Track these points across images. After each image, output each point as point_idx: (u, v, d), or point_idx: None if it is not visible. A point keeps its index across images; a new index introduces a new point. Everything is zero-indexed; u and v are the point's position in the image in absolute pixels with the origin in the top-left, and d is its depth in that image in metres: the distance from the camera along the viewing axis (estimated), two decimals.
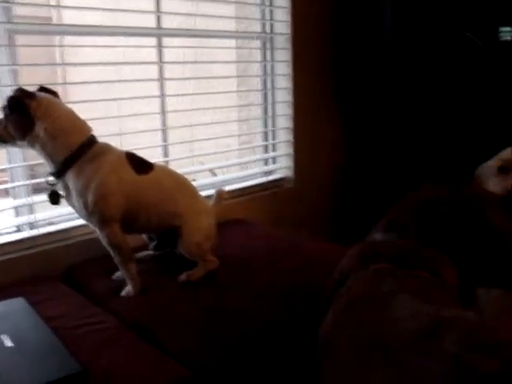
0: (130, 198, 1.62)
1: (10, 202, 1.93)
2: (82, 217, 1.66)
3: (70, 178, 1.57)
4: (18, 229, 1.92)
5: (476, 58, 2.57)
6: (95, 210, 1.58)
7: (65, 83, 3.31)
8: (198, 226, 1.76)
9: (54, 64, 1.97)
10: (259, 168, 2.76)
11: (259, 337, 1.43)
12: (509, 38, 2.56)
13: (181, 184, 1.82)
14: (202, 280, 1.72)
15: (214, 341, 1.38)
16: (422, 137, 2.67)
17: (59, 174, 1.58)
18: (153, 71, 2.24)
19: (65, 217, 1.97)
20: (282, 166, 2.78)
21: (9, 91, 1.78)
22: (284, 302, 1.58)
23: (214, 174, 2.67)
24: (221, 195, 1.93)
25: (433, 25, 2.55)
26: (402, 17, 2.59)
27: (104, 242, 1.64)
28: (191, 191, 1.84)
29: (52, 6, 3.81)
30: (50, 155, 1.56)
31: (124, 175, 1.62)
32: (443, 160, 2.64)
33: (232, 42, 2.72)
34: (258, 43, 2.68)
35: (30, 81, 1.76)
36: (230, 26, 2.89)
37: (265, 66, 2.69)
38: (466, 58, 2.54)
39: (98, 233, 1.65)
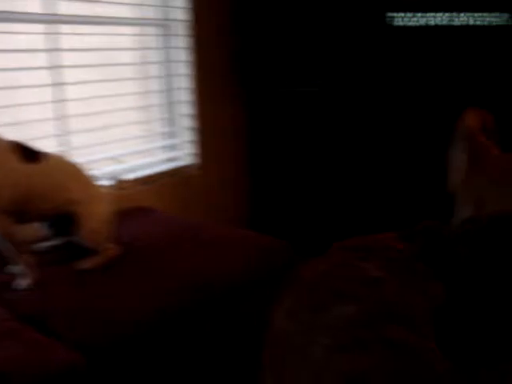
0: (16, 188, 1.59)
1: None
2: None
3: None
4: None
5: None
6: None
7: None
8: (92, 212, 1.76)
9: None
10: (164, 155, 2.77)
11: (155, 323, 1.46)
12: (401, 23, 2.69)
13: (74, 172, 1.81)
14: (101, 268, 1.71)
15: (110, 328, 1.40)
16: (323, 123, 2.77)
17: None
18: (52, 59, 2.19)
19: None
20: (186, 153, 2.79)
21: None
22: (181, 288, 1.61)
23: (120, 162, 2.64)
24: (118, 183, 1.93)
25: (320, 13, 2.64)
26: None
27: None
28: (85, 179, 1.83)
29: None
30: None
31: (8, 164, 1.58)
32: (342, 145, 2.76)
33: (131, 29, 2.68)
34: (156, 30, 2.67)
35: None
36: (129, 12, 2.85)
37: (164, 53, 2.69)
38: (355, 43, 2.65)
39: None
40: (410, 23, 2.67)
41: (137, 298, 1.53)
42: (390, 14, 2.64)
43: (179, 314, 1.53)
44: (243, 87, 2.97)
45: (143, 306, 1.50)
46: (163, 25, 2.66)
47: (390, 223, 2.73)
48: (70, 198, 1.72)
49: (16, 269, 1.64)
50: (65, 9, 2.23)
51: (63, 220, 1.77)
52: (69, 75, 2.26)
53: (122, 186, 1.93)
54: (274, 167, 2.98)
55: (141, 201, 2.40)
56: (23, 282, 1.60)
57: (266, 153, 3.01)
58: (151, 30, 2.69)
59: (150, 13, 2.69)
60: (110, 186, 1.92)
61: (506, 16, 2.71)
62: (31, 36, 2.18)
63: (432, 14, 2.71)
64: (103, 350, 1.33)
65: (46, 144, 1.79)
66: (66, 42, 2.24)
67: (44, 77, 2.19)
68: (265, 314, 1.73)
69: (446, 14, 2.69)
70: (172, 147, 2.80)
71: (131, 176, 2.51)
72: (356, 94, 2.70)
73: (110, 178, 1.97)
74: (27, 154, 1.64)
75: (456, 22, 2.69)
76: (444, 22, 2.69)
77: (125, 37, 2.71)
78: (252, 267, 1.81)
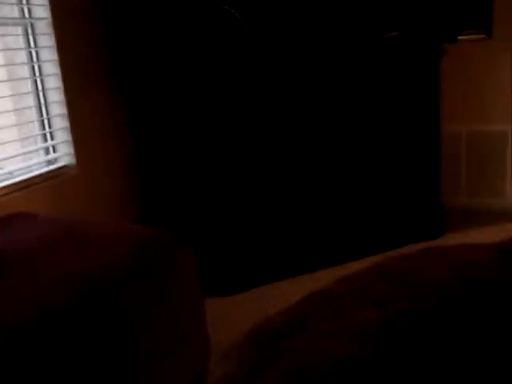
0: None
1: None
2: None
3: None
4: None
5: (237, 34, 2.75)
6: None
7: None
8: None
9: None
10: (41, 158, 2.69)
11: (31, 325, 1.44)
12: None
13: None
14: None
15: None
16: (199, 113, 2.80)
17: None
18: None
19: None
20: (62, 154, 2.73)
21: None
22: (55, 287, 1.59)
23: None
24: None
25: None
26: None
27: None
28: None
29: None
30: None
31: None
32: (220, 135, 2.81)
33: None
34: (18, 29, 2.57)
35: None
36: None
37: (30, 53, 2.60)
38: (225, 35, 2.71)
39: None
40: None
41: (18, 299, 1.49)
42: None
43: (55, 315, 1.50)
44: (120, 83, 2.95)
45: (26, 307, 1.47)
46: (25, 23, 2.57)
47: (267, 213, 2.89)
48: None
49: None
50: None
51: None
52: None
53: None
54: (157, 161, 2.98)
55: (20, 206, 2.32)
56: None
57: (148, 146, 3.00)
58: (13, 29, 2.59)
59: (9, 11, 2.60)
60: None
61: None
62: None
63: None
64: None
65: None
66: None
67: None
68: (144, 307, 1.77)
69: None
70: (48, 149, 2.72)
71: (9, 181, 2.44)
72: (227, 83, 2.76)
73: None
74: None
75: None
76: None
77: None
78: (129, 259, 1.81)
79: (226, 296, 2.82)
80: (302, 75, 2.88)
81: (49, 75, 2.63)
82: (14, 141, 2.68)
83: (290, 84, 2.86)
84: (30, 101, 2.67)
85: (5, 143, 2.66)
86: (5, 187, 2.41)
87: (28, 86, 2.65)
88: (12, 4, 2.55)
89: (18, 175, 2.54)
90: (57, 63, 2.59)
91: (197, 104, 2.78)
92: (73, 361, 1.51)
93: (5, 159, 2.65)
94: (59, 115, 2.67)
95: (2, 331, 1.38)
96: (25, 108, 2.72)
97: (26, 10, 2.57)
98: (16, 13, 2.57)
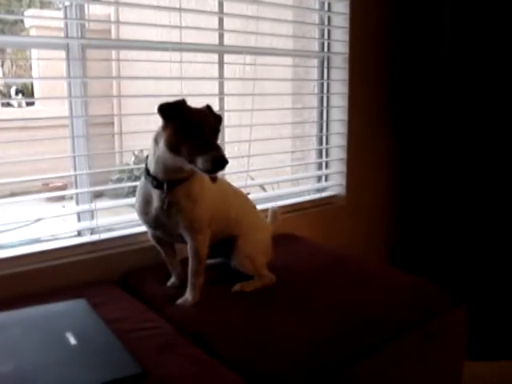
0: (211, 205, 1.66)
1: (73, 207, 2.03)
2: (172, 226, 1.65)
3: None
4: (79, 233, 2.01)
5: None
6: (193, 217, 1.62)
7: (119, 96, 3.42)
8: (253, 239, 1.80)
9: (124, 78, 2.07)
10: (311, 185, 2.79)
11: (313, 354, 1.45)
12: None
13: (241, 195, 1.88)
14: (256, 293, 1.74)
15: (269, 353, 1.40)
16: (479, 154, 2.63)
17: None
18: (208, 87, 2.30)
19: (124, 224, 2.05)
20: (334, 184, 2.79)
21: (80, 102, 1.89)
22: (340, 320, 1.59)
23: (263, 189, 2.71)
24: (276, 213, 1.98)
25: (496, 46, 2.51)
26: (462, 37, 2.57)
27: (192, 250, 1.66)
28: (251, 204, 1.89)
29: (121, 22, 3.93)
30: None
31: (207, 182, 1.65)
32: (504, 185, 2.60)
33: (288, 60, 2.76)
34: (315, 62, 2.72)
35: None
36: (288, 44, 2.95)
37: (321, 85, 2.73)
38: None
39: (189, 241, 1.66)
40: None
41: (292, 327, 1.53)
42: None
43: (329, 349, 1.50)
44: (397, 120, 2.93)
45: (297, 337, 1.49)
46: (322, 56, 2.70)
47: None
48: (237, 220, 1.78)
49: (188, 286, 1.69)
50: (228, 39, 2.36)
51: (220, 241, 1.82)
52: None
53: (277, 216, 1.98)
54: (424, 202, 2.88)
55: (288, 228, 2.42)
56: (188, 300, 1.66)
57: (417, 190, 2.92)
58: (310, 61, 2.74)
59: (310, 45, 2.77)
60: (268, 216, 1.96)
61: None
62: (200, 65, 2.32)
63: None
64: (263, 375, 1.34)
65: None
66: (228, 70, 2.35)
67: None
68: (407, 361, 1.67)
69: None
70: (321, 177, 2.81)
71: (280, 203, 2.57)
72: None
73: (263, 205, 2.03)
74: None
75: None
76: None
77: (282, 68, 2.81)
78: (404, 309, 1.74)
79: (491, 361, 2.56)
80: None
81: (335, 107, 2.72)
82: (289, 166, 2.84)
83: None
84: (313, 130, 2.79)
85: (280, 167, 2.83)
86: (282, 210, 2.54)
87: (314, 115, 2.78)
88: (315, 39, 2.71)
89: (289, 198, 2.67)
90: (345, 96, 2.67)
91: (483, 142, 2.61)
92: None
93: (279, 182, 2.82)
94: (338, 146, 2.74)
95: (276, 357, 1.41)
96: (305, 136, 2.87)
97: (325, 45, 2.70)
98: (316, 47, 2.72)
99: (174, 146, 1.49)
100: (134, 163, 6.05)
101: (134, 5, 2.09)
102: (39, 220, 1.98)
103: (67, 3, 1.91)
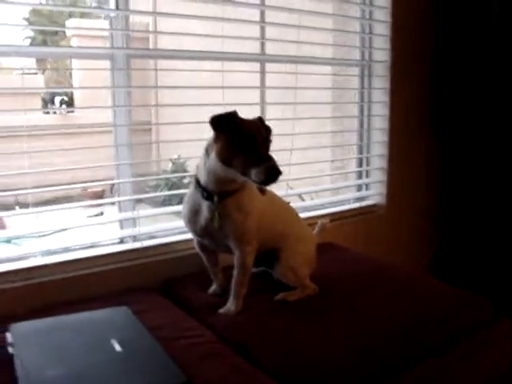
0: (259, 217, 1.66)
1: (115, 214, 2.06)
2: (220, 236, 1.65)
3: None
4: (121, 240, 2.03)
5: None
6: (243, 230, 1.62)
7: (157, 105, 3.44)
8: (298, 251, 1.79)
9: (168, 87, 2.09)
10: (351, 194, 2.77)
11: (356, 365, 1.43)
12: None
13: (287, 206, 1.88)
14: (299, 303, 1.73)
15: (311, 364, 1.39)
16: None
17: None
18: (249, 96, 2.30)
19: (165, 232, 2.07)
20: (374, 193, 2.77)
21: (124, 111, 1.92)
22: (383, 331, 1.57)
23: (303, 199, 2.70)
24: (325, 226, 1.97)
25: None
26: (506, 37, 2.53)
27: (239, 261, 1.66)
28: (296, 215, 1.89)
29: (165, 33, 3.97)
30: None
31: (257, 195, 1.65)
32: None
33: (328, 69, 2.75)
34: (355, 70, 2.70)
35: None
36: (328, 52, 2.94)
37: (361, 93, 2.71)
38: None
39: (236, 252, 1.66)
40: None
41: (334, 338, 1.51)
42: None
43: (373, 361, 1.48)
44: (439, 128, 2.88)
45: (340, 348, 1.48)
46: (363, 65, 2.69)
47: None
48: (284, 231, 1.78)
49: (232, 295, 1.69)
50: (269, 48, 2.37)
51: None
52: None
53: (325, 228, 1.97)
54: (466, 211, 2.82)
55: (329, 237, 2.40)
56: (231, 310, 1.66)
57: (458, 196, 2.87)
58: (351, 69, 2.73)
59: (350, 53, 2.76)
60: (316, 227, 1.95)
61: None
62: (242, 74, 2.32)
63: None
64: None
65: None
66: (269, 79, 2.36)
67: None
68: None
69: None
70: (361, 186, 2.79)
71: (319, 212, 2.55)
72: None
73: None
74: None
75: None
76: None
77: (321, 76, 2.80)
78: (444, 321, 1.70)
79: None
80: None
81: (377, 116, 2.70)
82: (329, 175, 2.83)
83: None
84: (353, 138, 2.77)
85: (320, 176, 2.82)
86: (317, 217, 2.53)
87: (354, 123, 2.76)
88: (355, 47, 2.70)
89: (329, 207, 2.65)
90: (387, 105, 2.64)
91: None
92: None
93: (319, 191, 2.80)
94: (379, 155, 2.72)
95: (321, 368, 1.40)
96: (346, 145, 2.85)
97: (366, 53, 2.69)
98: (357, 55, 2.71)
99: (226, 158, 1.48)
100: (172, 170, 6.13)
101: (178, 15, 2.12)
102: (81, 226, 2.01)
103: (113, 14, 1.95)
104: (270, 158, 1.45)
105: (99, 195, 6.20)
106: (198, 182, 1.62)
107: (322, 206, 2.64)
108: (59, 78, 9.19)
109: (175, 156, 5.98)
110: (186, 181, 5.95)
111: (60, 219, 2.04)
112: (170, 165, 6.19)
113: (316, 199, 2.91)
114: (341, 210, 2.64)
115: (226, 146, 1.48)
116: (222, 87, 2.12)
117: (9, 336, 1.34)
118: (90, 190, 6.10)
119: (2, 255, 1.83)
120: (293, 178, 2.39)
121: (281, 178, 1.44)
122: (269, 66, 2.35)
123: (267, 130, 1.57)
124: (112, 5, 1.92)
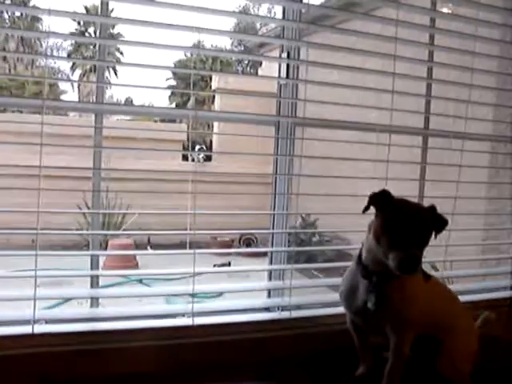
0: (423, 306, 1.56)
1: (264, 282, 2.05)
2: (376, 320, 1.57)
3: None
4: (268, 308, 2.00)
5: None
6: (404, 318, 1.54)
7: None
8: (463, 346, 1.66)
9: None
10: (504, 281, 2.55)
11: None
12: None
13: (454, 297, 1.77)
14: None
15: None
16: None
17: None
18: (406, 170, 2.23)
19: (313, 304, 2.04)
20: None
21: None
22: None
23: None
24: (490, 320, 1.82)
25: None
26: None
27: (394, 348, 1.56)
28: (462, 307, 1.77)
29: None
30: None
31: (422, 281, 1.59)
32: None
33: (485, 145, 2.61)
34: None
35: None
36: (486, 128, 2.80)
37: None
38: None
39: (392, 338, 1.57)
40: None
41: None
42: None
43: None
44: None
45: None
46: None
47: None
48: (444, 323, 1.66)
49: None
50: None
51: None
52: None
53: (490, 322, 1.82)
54: None
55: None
56: None
57: None
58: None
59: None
60: (479, 319, 1.82)
61: None
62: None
63: None
64: None
65: None
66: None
67: None
68: None
69: None
70: None
71: (469, 298, 2.37)
72: None
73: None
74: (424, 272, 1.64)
75: None
76: None
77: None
78: None
79: None
80: None
81: None
82: (483, 259, 2.65)
83: None
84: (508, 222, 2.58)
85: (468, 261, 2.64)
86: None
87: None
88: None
89: (475, 293, 2.45)
90: None
91: None
92: None
93: (466, 277, 2.62)
94: None
95: None
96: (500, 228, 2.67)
97: None
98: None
99: (377, 236, 1.46)
100: (301, 226, 6.11)
101: (345, 85, 2.12)
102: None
103: (283, 82, 1.99)
104: (413, 247, 1.38)
105: (228, 245, 6.33)
106: (359, 258, 1.58)
107: (470, 291, 2.45)
108: (197, 125, 9.71)
109: (305, 212, 5.98)
110: (314, 239, 5.95)
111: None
112: (299, 220, 6.20)
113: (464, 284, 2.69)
114: (495, 298, 2.42)
115: (378, 224, 1.46)
116: (387, 161, 2.06)
117: None
118: (219, 239, 6.23)
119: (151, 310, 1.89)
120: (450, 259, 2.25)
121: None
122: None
123: (439, 222, 1.49)
124: (283, 73, 1.97)
